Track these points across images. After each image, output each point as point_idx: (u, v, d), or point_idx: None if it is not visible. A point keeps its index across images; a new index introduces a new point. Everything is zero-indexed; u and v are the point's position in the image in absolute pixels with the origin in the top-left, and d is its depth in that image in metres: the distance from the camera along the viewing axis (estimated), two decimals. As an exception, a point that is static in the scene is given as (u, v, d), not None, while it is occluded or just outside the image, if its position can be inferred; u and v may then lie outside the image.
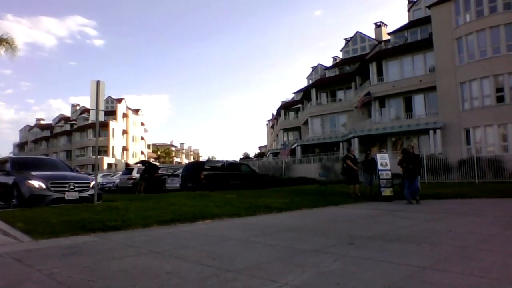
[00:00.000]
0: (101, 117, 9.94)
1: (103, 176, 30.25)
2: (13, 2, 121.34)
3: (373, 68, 31.91)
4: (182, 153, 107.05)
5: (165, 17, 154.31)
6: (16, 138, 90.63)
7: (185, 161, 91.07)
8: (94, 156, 41.56)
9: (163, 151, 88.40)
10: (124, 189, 21.47)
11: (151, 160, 56.86)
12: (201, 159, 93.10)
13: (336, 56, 46.92)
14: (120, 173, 27.88)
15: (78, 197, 9.51)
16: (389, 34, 35.84)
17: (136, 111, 75.92)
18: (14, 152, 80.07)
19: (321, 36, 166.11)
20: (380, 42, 37.77)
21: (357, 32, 41.86)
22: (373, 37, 40.83)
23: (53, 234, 5.47)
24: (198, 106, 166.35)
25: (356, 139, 30.24)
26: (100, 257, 4.21)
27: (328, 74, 42.87)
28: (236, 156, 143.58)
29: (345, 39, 44.31)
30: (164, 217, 7.17)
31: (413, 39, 30.67)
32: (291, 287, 3.12)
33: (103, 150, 63.54)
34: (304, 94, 43.71)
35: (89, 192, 9.82)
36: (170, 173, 21.51)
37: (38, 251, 4.55)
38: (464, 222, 7.11)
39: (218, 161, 21.98)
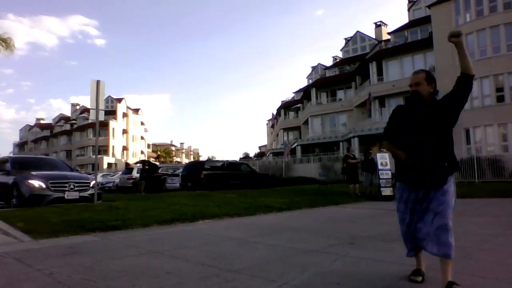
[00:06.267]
0: (101, 117, 9.96)
1: (103, 175, 30.24)
2: (14, 2, 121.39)
3: (373, 67, 31.91)
4: (182, 152, 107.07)
5: (166, 17, 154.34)
6: (16, 138, 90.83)
7: (185, 160, 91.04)
8: (94, 156, 41.62)
9: (163, 151, 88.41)
10: (124, 189, 21.48)
11: (151, 159, 56.90)
12: (201, 158, 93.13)
13: (336, 56, 46.93)
14: (120, 172, 27.89)
15: (78, 197, 9.53)
16: (389, 33, 35.85)
17: (136, 111, 75.92)
18: (14, 152, 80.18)
19: (321, 36, 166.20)
20: (380, 41, 37.77)
21: (357, 31, 41.88)
22: (373, 36, 40.84)
23: (53, 234, 5.47)
24: (199, 106, 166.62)
25: (356, 139, 30.26)
26: (100, 257, 4.21)
27: (328, 73, 42.88)
28: (236, 156, 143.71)
29: (345, 38, 44.36)
30: (164, 217, 7.17)
31: (413, 39, 30.68)
32: (291, 287, 3.12)
33: (103, 149, 63.56)
34: (304, 93, 43.73)
35: (89, 192, 9.84)
36: (170, 173, 21.51)
37: (38, 251, 4.54)
38: (464, 222, 7.10)
39: (218, 161, 21.98)
